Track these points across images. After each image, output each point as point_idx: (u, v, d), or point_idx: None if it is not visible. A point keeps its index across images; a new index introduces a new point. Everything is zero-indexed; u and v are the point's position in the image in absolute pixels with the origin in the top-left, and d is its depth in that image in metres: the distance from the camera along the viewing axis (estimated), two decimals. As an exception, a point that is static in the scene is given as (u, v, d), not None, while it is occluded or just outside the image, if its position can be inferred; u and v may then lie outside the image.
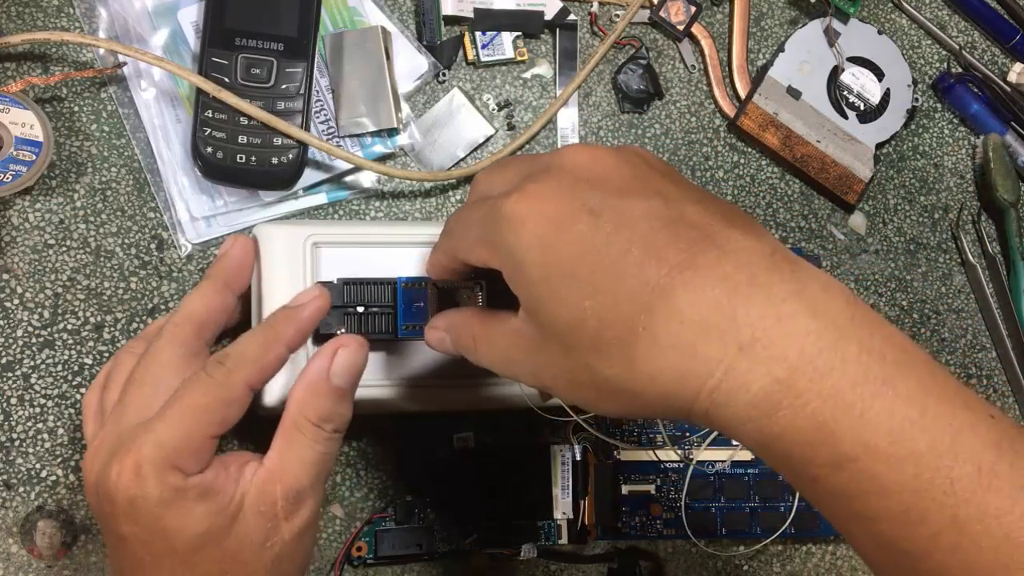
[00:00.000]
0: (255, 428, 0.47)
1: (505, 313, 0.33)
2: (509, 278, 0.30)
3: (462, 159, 0.52)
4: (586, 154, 0.30)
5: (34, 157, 0.45)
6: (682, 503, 0.50)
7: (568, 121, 0.53)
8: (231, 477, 0.35)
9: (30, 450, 0.46)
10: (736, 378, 0.26)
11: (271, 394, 0.42)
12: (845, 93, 0.56)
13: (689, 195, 0.29)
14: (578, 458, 0.49)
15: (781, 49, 0.55)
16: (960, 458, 0.25)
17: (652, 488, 0.50)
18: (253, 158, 0.46)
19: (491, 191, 0.33)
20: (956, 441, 0.26)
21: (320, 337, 0.42)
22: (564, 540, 0.48)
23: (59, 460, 0.46)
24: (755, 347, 0.26)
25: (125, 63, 0.48)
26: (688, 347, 0.26)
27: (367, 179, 0.50)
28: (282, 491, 0.35)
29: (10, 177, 0.45)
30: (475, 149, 0.52)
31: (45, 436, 0.46)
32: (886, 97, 0.57)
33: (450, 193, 0.52)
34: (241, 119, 0.46)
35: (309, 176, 0.49)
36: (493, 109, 0.53)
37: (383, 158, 0.51)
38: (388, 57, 0.49)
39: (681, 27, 0.55)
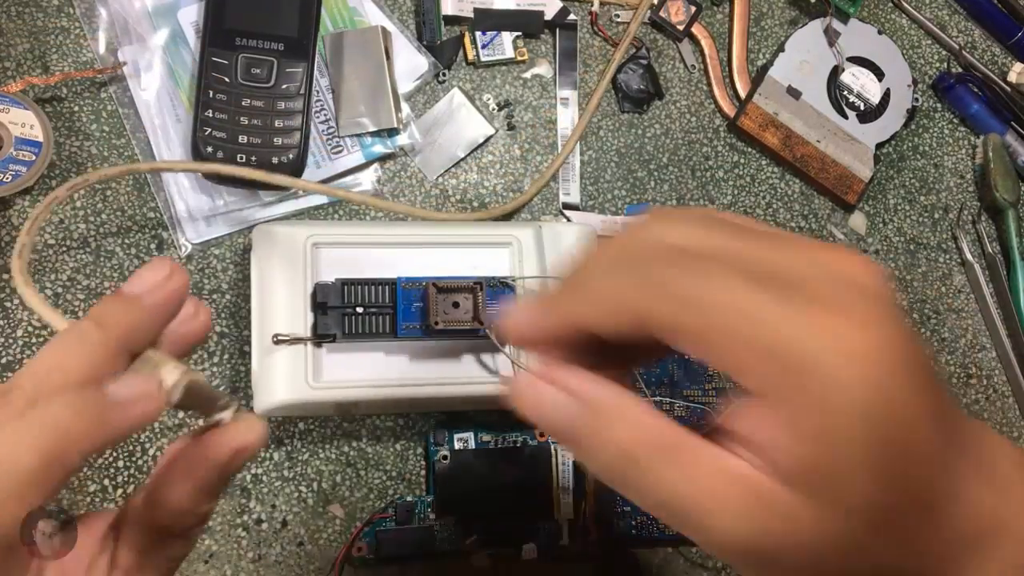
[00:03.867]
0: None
1: (704, 440, 0.22)
2: (785, 410, 0.20)
3: (462, 159, 0.52)
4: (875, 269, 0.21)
5: (34, 157, 0.45)
6: (682, 503, 0.50)
7: (568, 121, 0.53)
8: None
9: (30, 450, 0.46)
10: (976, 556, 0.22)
11: (266, 398, 0.42)
12: (845, 93, 0.56)
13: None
14: (578, 458, 0.49)
15: (781, 49, 0.55)
16: None
17: (652, 488, 0.50)
18: (253, 158, 0.46)
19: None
20: None
21: (319, 338, 0.42)
22: (565, 540, 0.48)
23: (59, 460, 0.46)
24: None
25: (125, 63, 0.48)
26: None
27: (367, 180, 0.50)
28: None
29: (10, 177, 0.45)
30: (475, 149, 0.52)
31: (45, 436, 0.46)
32: (886, 97, 0.57)
33: (450, 193, 0.52)
34: (241, 119, 0.46)
35: (309, 176, 0.49)
36: (493, 109, 0.53)
37: (383, 158, 0.51)
38: (388, 57, 0.49)
39: (681, 27, 0.55)
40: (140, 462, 0.46)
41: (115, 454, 0.46)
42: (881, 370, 0.20)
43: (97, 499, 0.45)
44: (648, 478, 0.22)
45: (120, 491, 0.45)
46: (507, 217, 0.51)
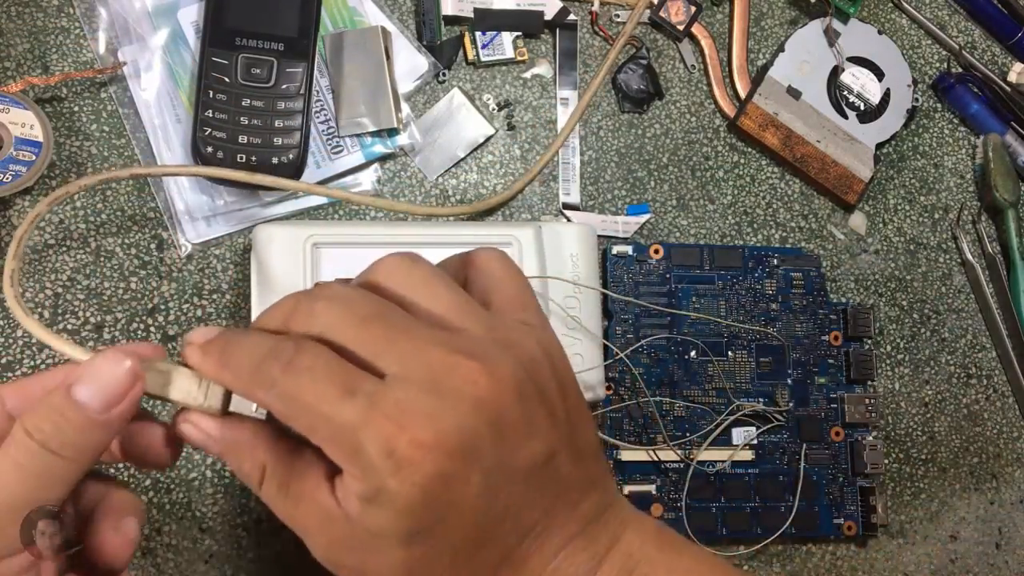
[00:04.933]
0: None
1: (315, 465, 0.28)
2: (358, 487, 0.26)
3: (462, 159, 0.52)
4: (485, 378, 0.27)
5: (34, 157, 0.45)
6: (682, 503, 0.50)
7: (572, 128, 0.53)
8: None
9: (30, 450, 0.46)
10: None
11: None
12: (845, 93, 0.56)
13: (564, 432, 0.29)
14: (578, 458, 0.49)
15: (781, 49, 0.55)
16: None
17: (652, 488, 0.50)
18: (253, 158, 0.46)
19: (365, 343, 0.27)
20: None
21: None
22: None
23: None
24: None
25: (125, 63, 0.48)
26: None
27: (367, 180, 0.50)
28: None
29: (10, 177, 0.45)
30: (475, 149, 0.52)
31: (45, 436, 0.46)
32: (886, 97, 0.57)
33: (450, 193, 0.52)
34: (241, 119, 0.46)
35: (309, 176, 0.49)
36: (493, 109, 0.53)
37: (383, 158, 0.51)
38: (388, 57, 0.49)
39: (681, 27, 0.55)
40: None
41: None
42: (429, 478, 0.26)
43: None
44: (268, 499, 0.29)
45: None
46: (492, 211, 0.51)
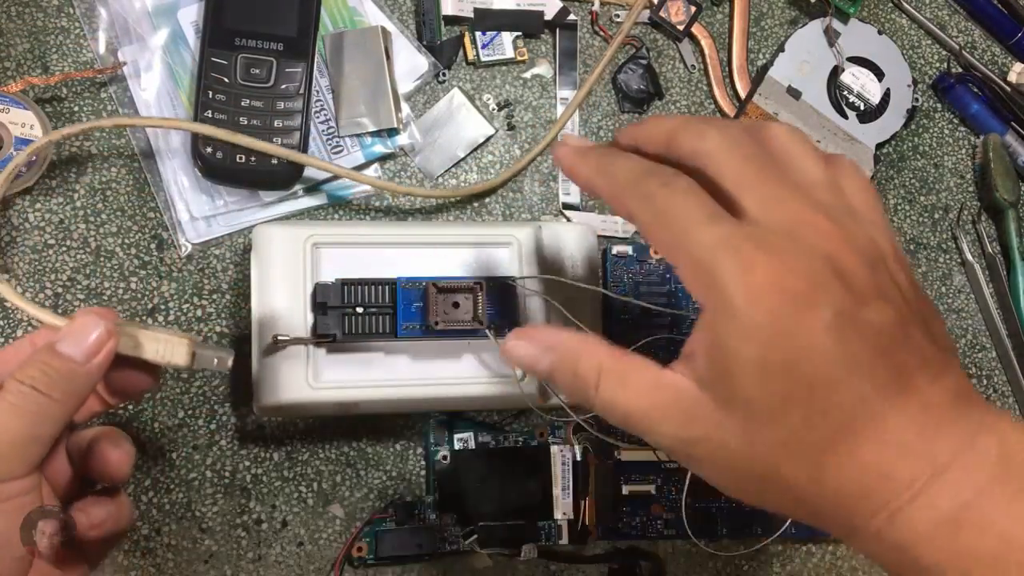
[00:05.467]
0: (255, 428, 0.47)
1: (649, 361, 0.30)
2: (717, 329, 0.27)
3: (462, 159, 0.52)
4: (839, 240, 0.27)
5: (34, 157, 0.45)
6: (683, 503, 0.50)
7: (568, 120, 0.53)
8: None
9: (30, 450, 0.46)
10: (923, 499, 0.26)
11: (266, 398, 0.42)
12: (845, 93, 0.56)
13: (916, 309, 0.28)
14: (578, 458, 0.49)
15: (781, 49, 0.55)
16: None
17: (652, 488, 0.50)
18: (253, 158, 0.46)
19: (736, 171, 0.29)
20: None
21: (319, 338, 0.42)
22: (564, 540, 0.48)
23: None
24: (948, 471, 0.26)
25: (125, 63, 0.48)
26: (884, 466, 0.27)
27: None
28: None
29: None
30: (475, 149, 0.52)
31: (45, 436, 0.46)
32: (886, 97, 0.57)
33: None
34: (240, 119, 0.46)
35: (309, 176, 0.49)
36: (493, 109, 0.53)
37: (383, 158, 0.51)
38: (388, 57, 0.49)
39: (681, 27, 0.55)
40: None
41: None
42: (779, 303, 0.26)
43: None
44: (606, 398, 0.30)
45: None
46: (481, 196, 0.51)
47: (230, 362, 0.37)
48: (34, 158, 0.45)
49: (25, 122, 0.45)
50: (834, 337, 0.26)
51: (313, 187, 0.49)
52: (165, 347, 0.35)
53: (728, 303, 0.27)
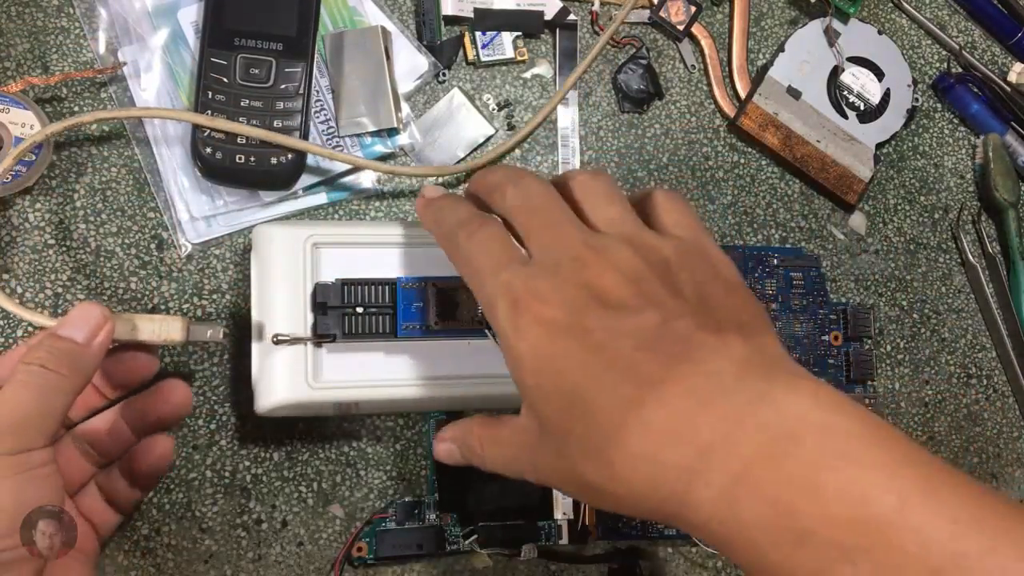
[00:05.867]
0: (255, 428, 0.47)
1: (508, 416, 0.35)
2: (508, 367, 0.32)
3: (462, 159, 0.52)
4: (598, 266, 0.31)
5: (34, 157, 0.45)
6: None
7: (568, 120, 0.53)
8: None
9: (30, 450, 0.46)
10: (696, 479, 0.28)
11: (266, 398, 0.42)
12: (845, 93, 0.56)
13: (689, 305, 0.31)
14: (578, 458, 0.49)
15: (781, 49, 0.55)
16: (931, 512, 0.25)
17: (652, 488, 0.50)
18: (252, 158, 0.46)
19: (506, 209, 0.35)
20: (927, 497, 0.25)
21: (319, 338, 0.42)
22: (564, 540, 0.48)
23: (59, 460, 0.46)
24: (713, 450, 0.27)
25: (125, 63, 0.48)
26: (655, 456, 0.28)
27: (367, 179, 0.50)
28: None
29: (10, 177, 0.45)
30: (475, 149, 0.52)
31: (45, 436, 0.46)
32: (886, 97, 0.57)
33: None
34: (240, 119, 0.46)
35: (309, 176, 0.49)
36: (493, 109, 0.53)
37: (383, 158, 0.51)
38: (388, 57, 0.49)
39: (681, 27, 0.55)
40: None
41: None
42: (539, 334, 0.30)
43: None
44: (489, 460, 0.36)
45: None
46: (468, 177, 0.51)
47: (222, 334, 0.41)
48: (33, 157, 0.45)
49: (25, 122, 0.45)
50: (590, 350, 0.29)
51: (313, 187, 0.49)
52: (160, 325, 0.39)
53: (507, 343, 0.31)
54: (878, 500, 0.25)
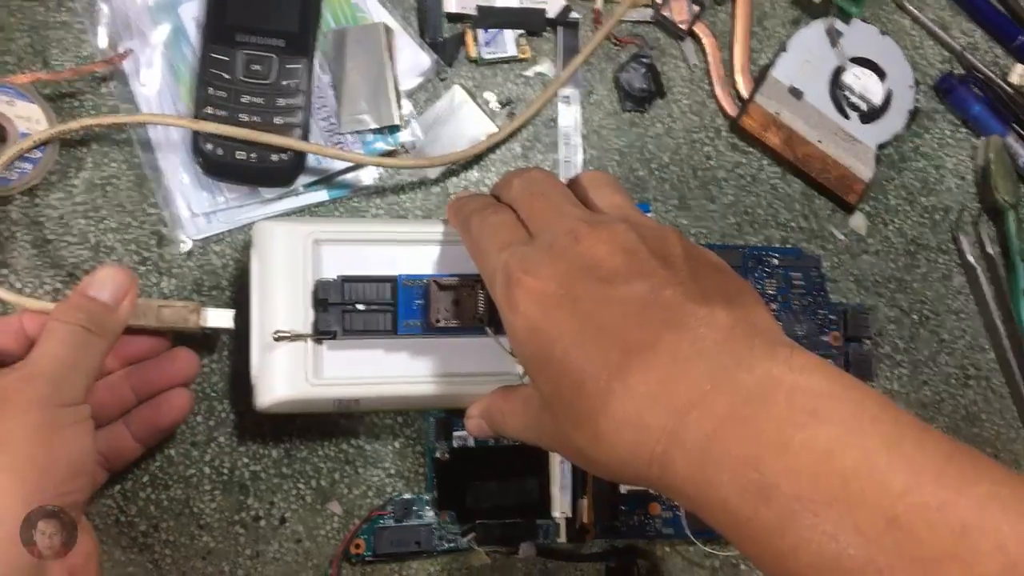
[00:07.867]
0: (254, 424, 0.47)
1: (522, 385, 0.37)
2: (510, 343, 0.34)
3: (463, 157, 0.52)
4: (591, 239, 0.32)
5: (40, 154, 0.45)
6: (680, 502, 0.50)
7: (570, 119, 0.53)
8: None
9: (29, 445, 0.46)
10: (674, 441, 0.28)
11: (266, 395, 0.42)
12: (847, 93, 0.56)
13: (679, 276, 0.31)
14: (577, 457, 0.49)
15: (783, 49, 0.55)
16: (893, 465, 0.25)
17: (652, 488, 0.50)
18: (253, 155, 0.46)
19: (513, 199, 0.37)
20: (891, 451, 0.25)
21: (320, 335, 0.42)
22: (562, 539, 0.48)
23: (58, 455, 0.46)
24: (690, 411, 0.28)
25: (131, 50, 0.47)
26: (637, 420, 0.29)
27: (368, 176, 0.50)
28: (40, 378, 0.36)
29: (15, 175, 0.44)
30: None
31: (44, 431, 0.46)
32: (888, 98, 0.56)
33: (451, 190, 0.52)
34: (241, 116, 0.46)
35: (309, 173, 0.49)
36: (495, 107, 0.53)
37: (385, 155, 0.50)
38: (390, 54, 0.49)
39: (684, 26, 0.55)
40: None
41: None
42: (532, 307, 0.32)
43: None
44: (512, 430, 0.37)
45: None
46: (481, 158, 0.51)
47: (232, 318, 0.44)
48: (39, 154, 0.45)
49: (31, 116, 0.45)
50: (579, 319, 0.31)
51: (314, 183, 0.49)
52: (174, 312, 0.42)
53: (505, 319, 0.33)
54: (842, 454, 0.26)
